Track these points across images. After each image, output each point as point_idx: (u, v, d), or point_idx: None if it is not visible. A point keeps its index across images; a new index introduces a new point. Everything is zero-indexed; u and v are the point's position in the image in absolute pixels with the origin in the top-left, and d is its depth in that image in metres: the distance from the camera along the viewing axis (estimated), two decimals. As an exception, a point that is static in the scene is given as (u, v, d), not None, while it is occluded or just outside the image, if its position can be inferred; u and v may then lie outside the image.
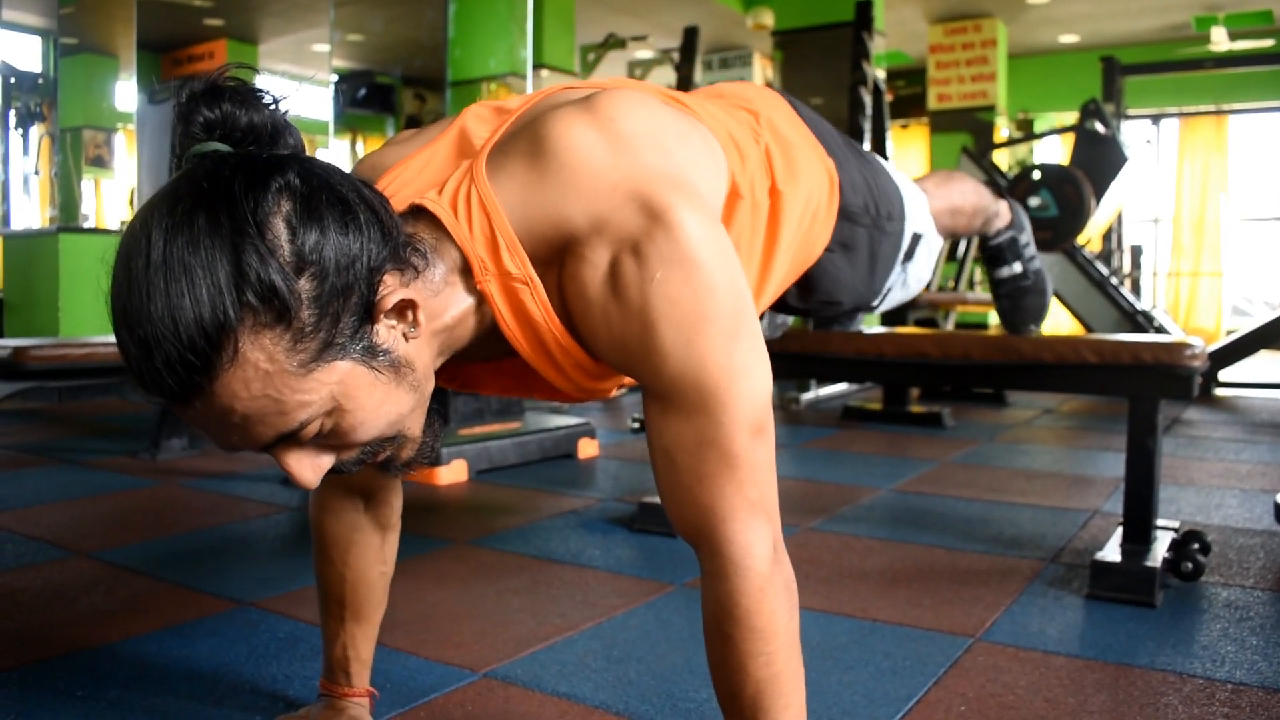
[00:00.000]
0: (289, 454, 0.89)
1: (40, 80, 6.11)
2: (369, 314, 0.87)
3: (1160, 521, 2.25)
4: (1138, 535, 2.14)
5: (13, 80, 5.99)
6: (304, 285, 0.82)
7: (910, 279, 1.74)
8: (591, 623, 1.88)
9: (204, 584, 2.10)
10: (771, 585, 0.96)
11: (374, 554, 1.35)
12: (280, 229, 0.81)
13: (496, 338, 1.02)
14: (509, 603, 2.00)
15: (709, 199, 1.04)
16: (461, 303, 0.97)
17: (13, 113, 5.99)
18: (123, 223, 5.99)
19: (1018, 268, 2.12)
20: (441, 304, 0.96)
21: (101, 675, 1.61)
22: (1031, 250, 2.13)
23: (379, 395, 0.89)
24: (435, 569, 2.23)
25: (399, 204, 0.98)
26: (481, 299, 0.98)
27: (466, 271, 0.97)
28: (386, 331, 0.89)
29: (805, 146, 1.39)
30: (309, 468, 0.90)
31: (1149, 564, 2.02)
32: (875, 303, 1.72)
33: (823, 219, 1.44)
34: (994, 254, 2.12)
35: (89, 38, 5.97)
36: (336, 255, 0.84)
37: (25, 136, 6.00)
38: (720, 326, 0.92)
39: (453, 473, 3.25)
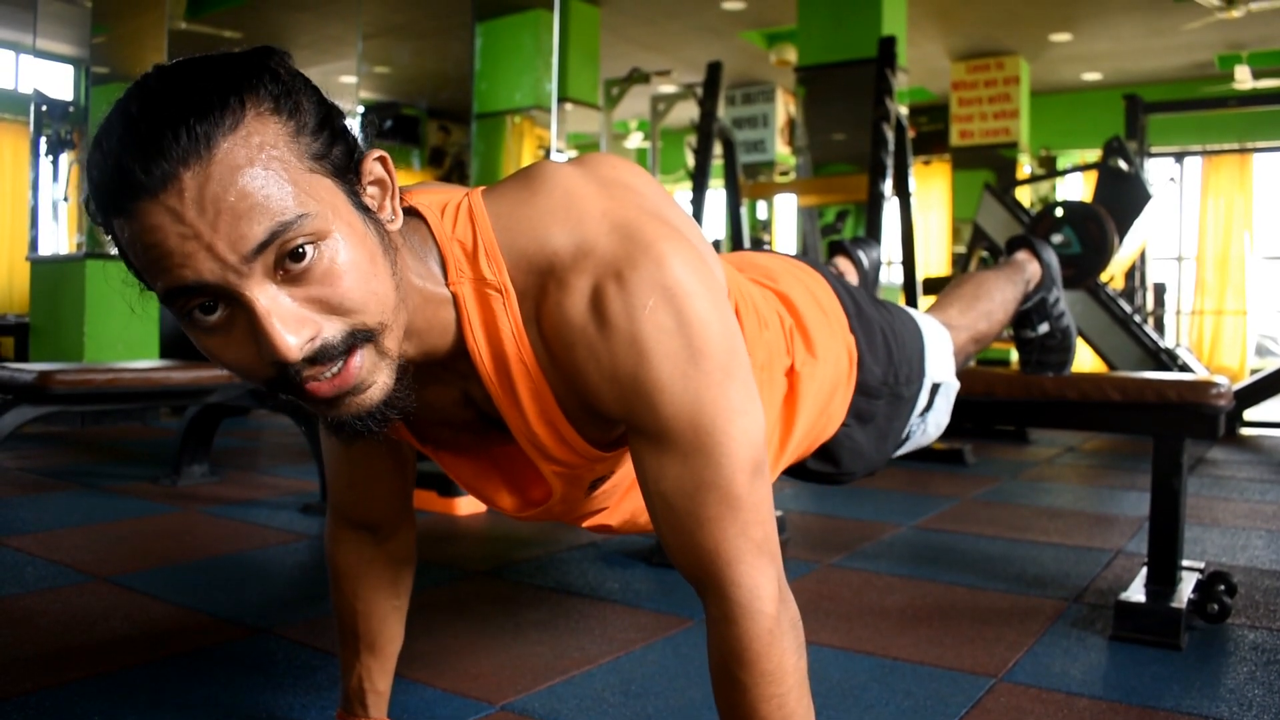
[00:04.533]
0: (271, 307, 0.79)
1: (71, 108, 6.19)
2: (357, 169, 0.87)
3: (1185, 562, 2.22)
4: (1162, 576, 2.12)
5: (44, 108, 6.07)
6: (308, 97, 0.84)
7: (930, 427, 1.73)
8: (609, 657, 1.87)
9: (222, 611, 2.10)
10: (779, 627, 0.94)
11: (386, 588, 1.34)
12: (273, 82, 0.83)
13: (460, 373, 1.00)
14: (527, 635, 1.99)
15: (703, 252, 1.01)
16: (436, 287, 0.95)
17: (44, 140, 6.06)
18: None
19: (1044, 328, 2.07)
20: (420, 267, 0.94)
21: (118, 701, 1.61)
22: (1061, 306, 2.08)
23: (367, 250, 0.84)
24: (453, 600, 2.23)
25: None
26: (454, 310, 0.95)
27: (445, 275, 0.96)
28: (370, 200, 0.88)
29: (827, 325, 1.42)
30: (292, 321, 0.79)
31: (1174, 605, 1.99)
32: (890, 458, 1.73)
33: (840, 396, 1.45)
34: (1021, 318, 2.07)
35: (120, 67, 6.05)
36: (326, 106, 0.86)
37: (55, 163, 6.07)
38: (716, 362, 0.90)
39: (472, 503, 3.24)
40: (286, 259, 0.79)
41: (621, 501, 1.20)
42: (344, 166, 0.85)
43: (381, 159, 0.90)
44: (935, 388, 1.67)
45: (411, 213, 0.97)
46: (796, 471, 1.60)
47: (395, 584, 1.36)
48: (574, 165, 1.02)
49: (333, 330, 0.82)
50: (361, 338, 0.84)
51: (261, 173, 0.77)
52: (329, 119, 0.85)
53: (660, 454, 0.92)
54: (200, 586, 2.29)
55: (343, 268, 0.81)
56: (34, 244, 6.00)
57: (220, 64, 0.80)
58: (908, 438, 1.70)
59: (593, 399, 0.95)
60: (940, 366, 1.68)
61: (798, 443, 1.38)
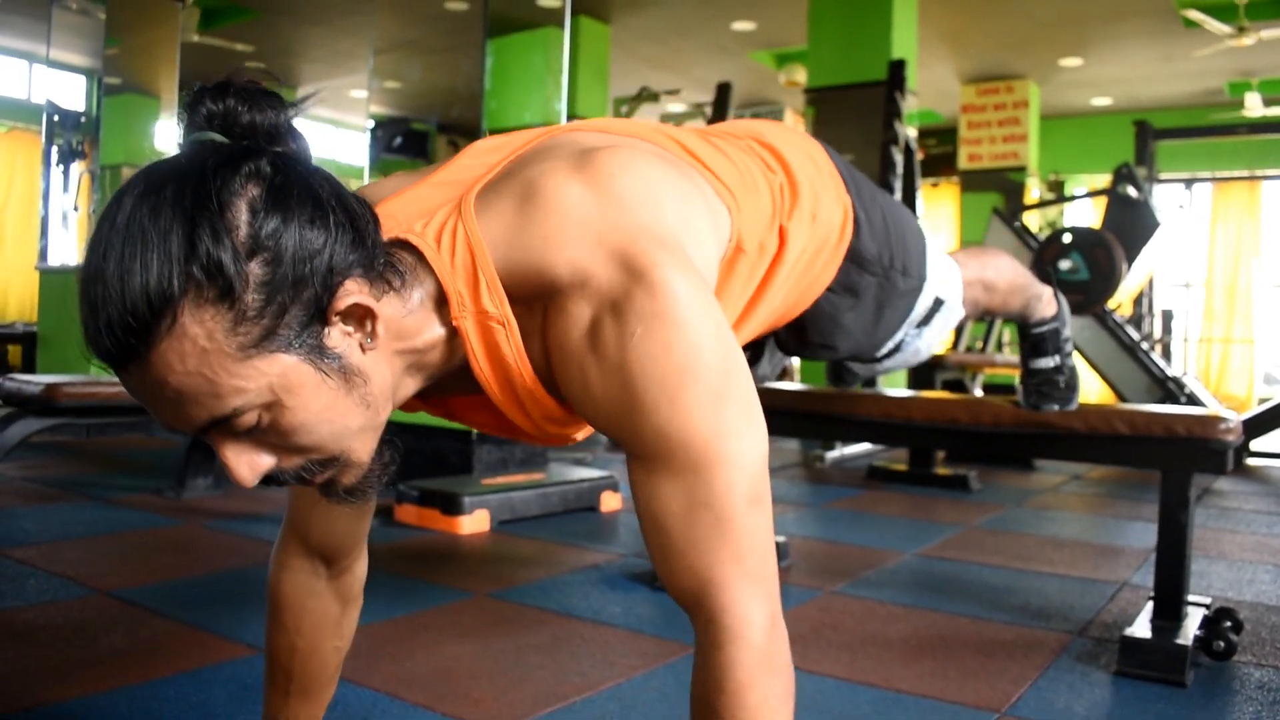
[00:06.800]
0: (226, 444, 0.86)
1: (83, 118, 6.21)
2: (322, 314, 0.86)
3: (1191, 597, 2.20)
4: (1168, 611, 2.10)
5: (56, 118, 6.09)
6: (254, 269, 0.81)
7: (923, 344, 1.68)
8: (611, 683, 1.86)
9: (224, 628, 2.10)
10: (770, 661, 0.89)
11: (330, 626, 1.25)
12: (241, 210, 0.81)
13: (468, 374, 0.99)
14: (528, 659, 1.98)
15: (699, 262, 1.00)
16: (433, 331, 0.95)
17: (55, 150, 6.08)
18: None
19: (1055, 361, 2.06)
20: (413, 325, 0.94)
21: (117, 717, 1.60)
22: (1069, 347, 2.07)
23: (324, 399, 0.87)
24: (455, 621, 2.22)
25: (385, 234, 0.95)
26: (454, 334, 0.95)
27: (443, 304, 0.95)
28: (341, 336, 0.87)
29: (822, 180, 1.37)
30: (245, 464, 0.87)
31: (1180, 642, 1.98)
32: (877, 355, 1.67)
33: (827, 257, 1.40)
34: (1036, 342, 2.04)
35: (132, 78, 6.08)
36: (295, 247, 0.83)
37: (66, 173, 6.09)
38: (706, 385, 0.88)
39: (475, 522, 3.24)
40: (234, 426, 0.85)
41: None
42: (303, 323, 0.84)
43: (361, 310, 0.88)
44: (938, 303, 1.62)
45: (406, 245, 0.95)
46: (781, 345, 1.55)
47: (340, 624, 1.27)
48: (577, 174, 0.96)
49: (290, 463, 0.89)
50: (319, 465, 0.91)
51: (194, 373, 0.81)
52: (281, 283, 0.83)
53: (652, 474, 0.91)
54: (202, 602, 2.29)
55: (291, 423, 0.86)
56: (43, 253, 6.01)
57: (159, 233, 0.79)
58: (900, 346, 1.65)
59: (589, 418, 0.95)
60: (944, 281, 1.63)
61: (774, 299, 1.30)
